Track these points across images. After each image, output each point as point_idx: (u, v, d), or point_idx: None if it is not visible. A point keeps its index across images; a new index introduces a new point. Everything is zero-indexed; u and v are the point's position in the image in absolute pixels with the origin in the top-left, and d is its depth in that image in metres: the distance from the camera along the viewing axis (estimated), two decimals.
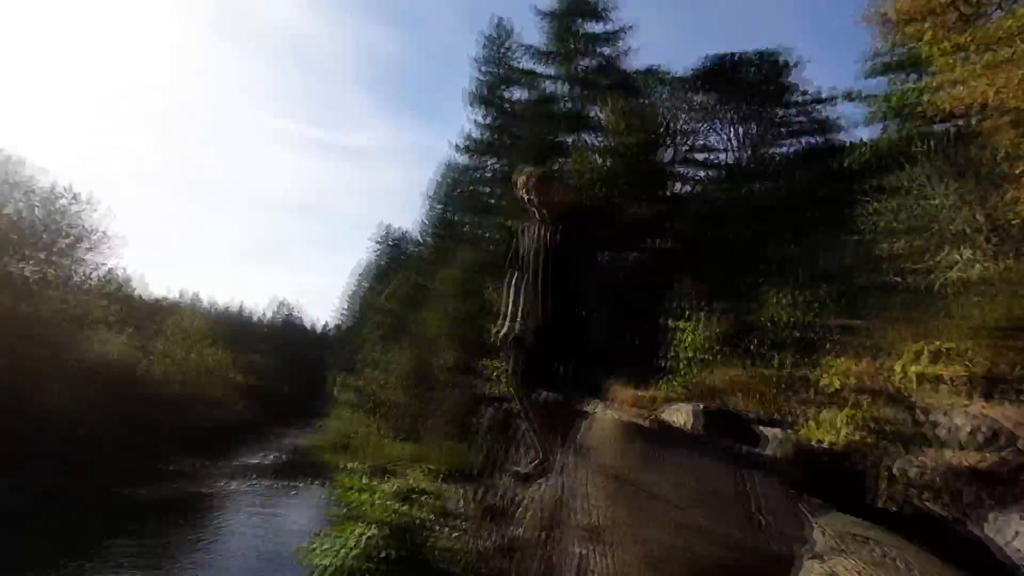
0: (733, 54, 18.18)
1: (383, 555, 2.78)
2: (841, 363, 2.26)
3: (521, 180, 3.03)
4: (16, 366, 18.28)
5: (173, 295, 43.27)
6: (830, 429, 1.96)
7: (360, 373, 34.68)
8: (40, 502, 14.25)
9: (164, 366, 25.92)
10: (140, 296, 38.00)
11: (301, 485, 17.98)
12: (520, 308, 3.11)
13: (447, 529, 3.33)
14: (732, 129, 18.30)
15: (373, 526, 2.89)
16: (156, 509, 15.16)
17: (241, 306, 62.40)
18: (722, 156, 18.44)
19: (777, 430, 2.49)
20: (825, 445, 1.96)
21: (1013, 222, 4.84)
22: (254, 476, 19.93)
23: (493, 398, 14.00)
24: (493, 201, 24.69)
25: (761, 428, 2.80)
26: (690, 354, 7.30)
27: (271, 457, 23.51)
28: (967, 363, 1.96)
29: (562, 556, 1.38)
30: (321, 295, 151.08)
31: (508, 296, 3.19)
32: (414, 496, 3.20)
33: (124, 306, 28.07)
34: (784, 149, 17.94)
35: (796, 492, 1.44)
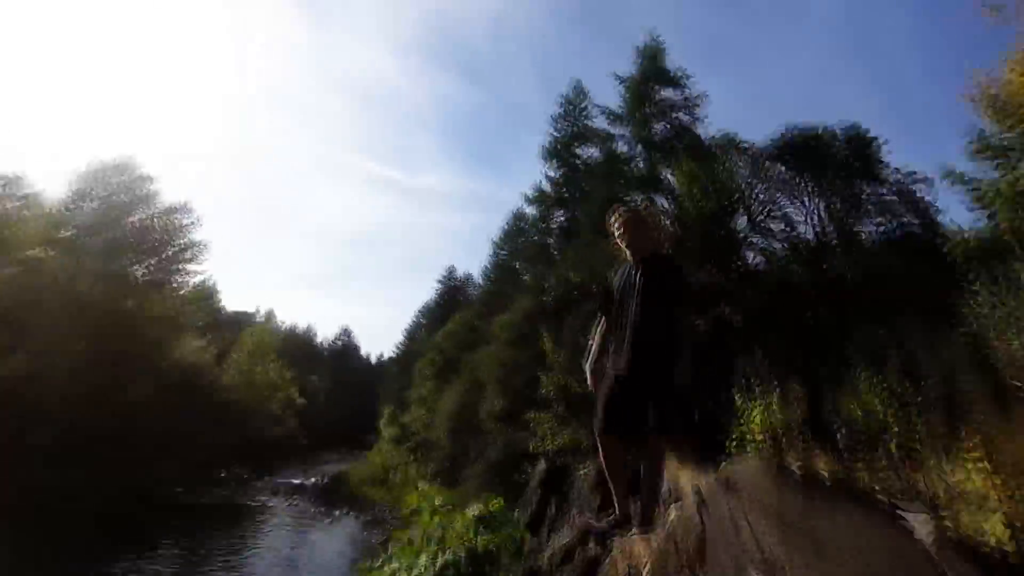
0: (817, 127, 17.77)
1: None
2: (968, 466, 1.98)
3: (615, 217, 3.05)
4: (115, 357, 20.30)
5: (251, 309, 46.88)
6: (986, 529, 1.70)
7: (407, 409, 35.11)
8: (104, 489, 15.27)
9: (233, 376, 27.65)
10: (224, 307, 41.47)
11: (337, 513, 18.02)
12: (605, 351, 3.08)
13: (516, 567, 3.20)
14: (813, 203, 17.55)
15: (449, 550, 2.83)
16: (203, 512, 15.78)
17: (308, 328, 66.04)
18: (801, 229, 17.61)
19: (924, 517, 2.16)
20: (994, 546, 1.69)
21: None
22: (296, 496, 20.30)
23: (539, 454, 13.57)
24: (556, 252, 25.08)
25: (899, 512, 2.46)
26: (758, 438, 6.71)
27: (312, 480, 23.91)
28: None
29: None
30: (377, 329, 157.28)
31: (593, 340, 3.17)
32: (495, 526, 3.11)
33: (209, 315, 30.69)
34: (871, 228, 16.87)
35: None
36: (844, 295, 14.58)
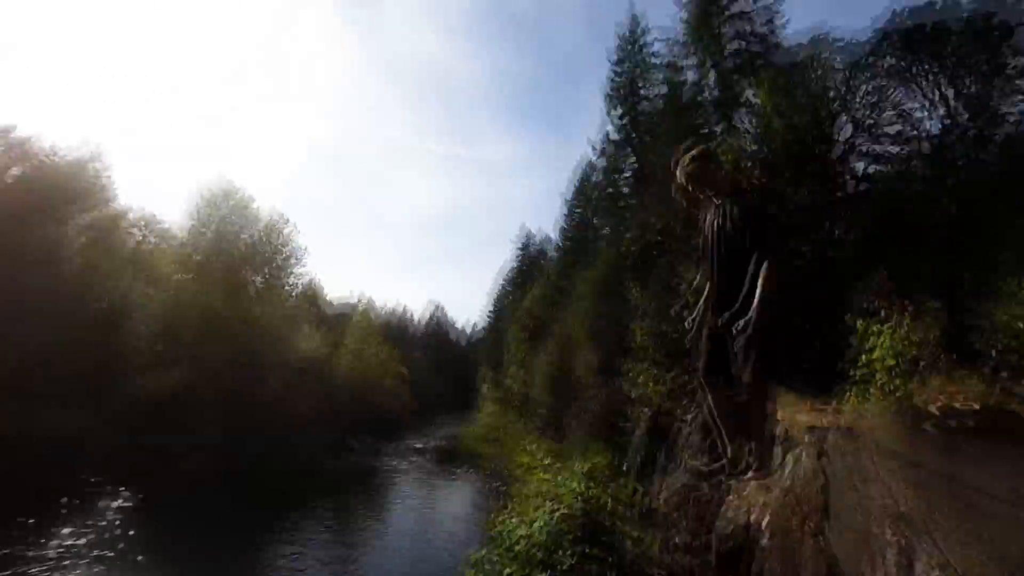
0: (934, 2, 14.75)
1: (574, 535, 2.90)
2: None
3: (684, 157, 2.90)
4: (245, 357, 23.54)
5: (351, 299, 51.27)
6: None
7: (506, 371, 36.70)
8: (255, 465, 18.09)
9: (347, 361, 30.78)
10: (331, 302, 45.78)
11: (458, 471, 19.72)
12: (705, 298, 3.00)
13: (633, 520, 3.35)
14: (937, 91, 14.84)
15: (563, 506, 3.03)
16: (346, 477, 18.14)
17: (404, 309, 70.78)
18: (926, 125, 15.02)
19: None
20: None
21: None
22: (418, 457, 22.53)
23: (640, 402, 13.58)
24: (632, 200, 24.03)
25: None
26: (890, 363, 6.11)
27: (432, 443, 26.28)
28: None
29: (854, 543, 1.29)
30: (465, 298, 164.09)
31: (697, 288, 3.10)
32: (603, 480, 3.26)
33: (319, 310, 34.08)
34: (1019, 107, 13.92)
35: None
36: (984, 190, 12.37)
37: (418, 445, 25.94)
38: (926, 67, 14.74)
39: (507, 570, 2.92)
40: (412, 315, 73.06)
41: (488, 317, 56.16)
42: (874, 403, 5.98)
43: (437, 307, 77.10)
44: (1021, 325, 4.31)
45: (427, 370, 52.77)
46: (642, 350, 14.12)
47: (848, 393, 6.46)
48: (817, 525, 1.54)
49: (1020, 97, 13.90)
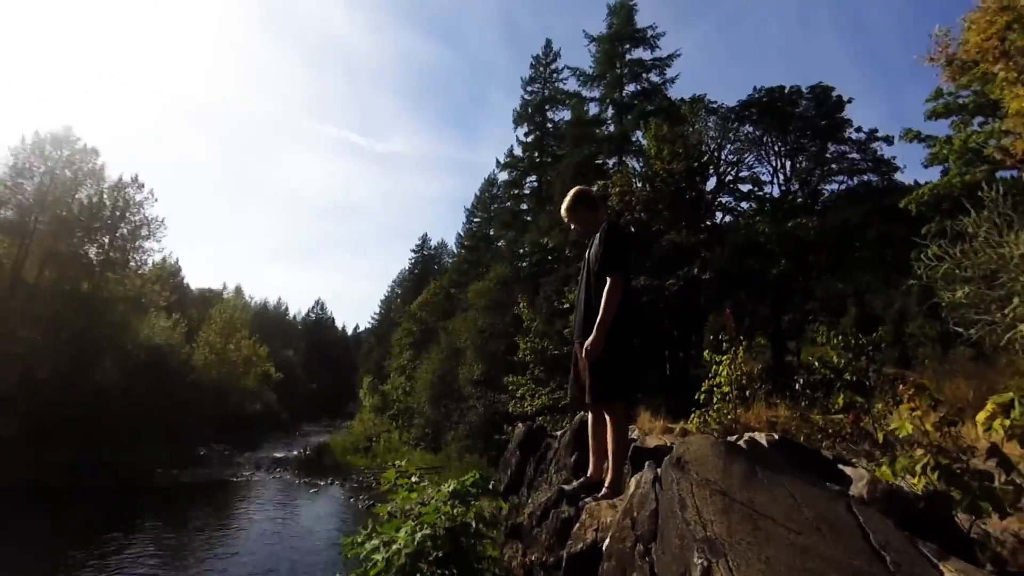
0: (784, 87, 17.95)
1: (435, 556, 2.81)
2: (905, 410, 2.16)
3: (563, 211, 3.09)
4: (76, 340, 19.53)
5: (218, 286, 45.44)
6: (905, 475, 1.88)
7: (387, 378, 35.34)
8: (82, 475, 15.03)
9: (206, 354, 27.07)
10: (188, 284, 40.03)
11: (322, 483, 18.25)
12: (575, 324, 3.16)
13: (493, 538, 3.34)
14: (780, 161, 17.94)
15: (427, 525, 2.92)
16: (188, 492, 15.73)
17: (279, 302, 64.68)
18: (768, 188, 18.07)
19: (861, 470, 2.40)
20: (919, 491, 1.87)
21: None
22: (279, 469, 20.39)
23: (518, 416, 13.99)
24: (531, 218, 25.04)
25: (840, 466, 2.69)
26: (725, 389, 7.09)
27: (296, 452, 24.04)
28: None
29: (674, 566, 1.39)
30: (352, 298, 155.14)
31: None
32: (468, 499, 3.21)
33: (173, 292, 29.63)
34: (834, 185, 17.45)
35: (909, 534, 1.40)
36: (807, 250, 15.23)
37: (280, 455, 23.54)
38: (774, 138, 17.86)
39: None
40: (288, 309, 67.19)
41: (374, 319, 53.92)
42: (710, 426, 6.86)
43: (319, 303, 71.99)
44: (816, 364, 5.28)
45: (301, 371, 48.64)
46: (525, 365, 14.63)
47: (693, 417, 7.29)
48: (646, 547, 1.67)
49: (835, 179, 17.49)
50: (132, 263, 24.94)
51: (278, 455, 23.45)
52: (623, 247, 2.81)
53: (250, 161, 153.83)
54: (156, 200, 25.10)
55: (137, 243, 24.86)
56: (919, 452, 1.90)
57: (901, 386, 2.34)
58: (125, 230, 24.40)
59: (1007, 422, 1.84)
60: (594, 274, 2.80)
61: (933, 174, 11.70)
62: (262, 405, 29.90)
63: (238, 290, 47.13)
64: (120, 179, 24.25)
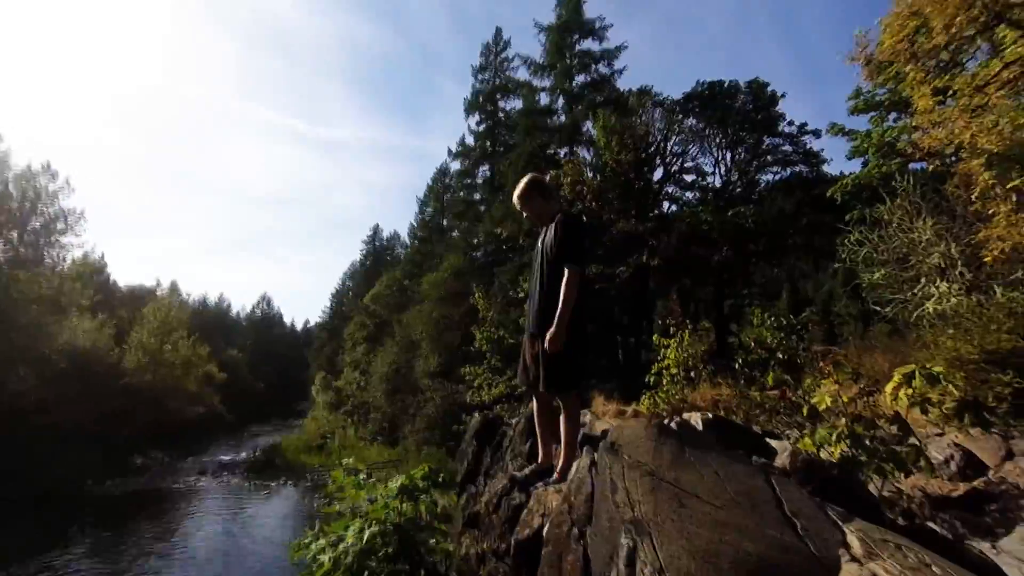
0: (724, 81, 18.77)
1: (384, 552, 2.76)
2: (828, 384, 2.36)
3: (514, 198, 3.08)
4: None
5: (150, 283, 42.18)
6: (823, 445, 2.05)
7: (341, 374, 34.31)
8: (8, 502, 13.67)
9: (138, 356, 25.15)
10: (115, 282, 36.98)
11: (273, 485, 17.54)
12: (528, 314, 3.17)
13: (444, 531, 3.34)
14: (720, 153, 18.79)
15: (375, 523, 2.87)
16: (123, 503, 14.64)
17: (220, 298, 61.12)
18: (710, 178, 18.90)
19: (785, 443, 2.59)
20: (834, 459, 2.04)
21: (985, 259, 5.10)
22: (226, 473, 19.37)
23: (476, 406, 14.01)
24: (484, 208, 24.90)
25: (767, 440, 2.89)
26: (673, 371, 7.42)
27: (244, 455, 22.91)
28: (952, 389, 2.08)
29: (604, 548, 1.43)
30: (301, 292, 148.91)
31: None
32: (417, 494, 3.18)
33: (99, 291, 27.27)
34: (770, 176, 18.53)
35: (820, 500, 1.52)
36: (746, 237, 16.13)
37: (227, 458, 22.35)
38: (716, 130, 18.69)
39: None
40: (230, 306, 63.60)
41: (325, 314, 52.14)
42: (660, 407, 7.15)
43: (264, 299, 68.63)
44: (753, 344, 5.62)
45: (248, 371, 46.29)
46: (481, 355, 14.64)
47: (644, 399, 7.58)
48: (581, 531, 1.72)
49: (770, 170, 18.56)
50: (48, 260, 22.69)
51: (224, 459, 22.27)
52: (579, 238, 2.85)
53: (184, 150, 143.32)
54: (73, 190, 22.91)
55: (52, 238, 22.60)
56: (840, 422, 2.08)
57: (822, 362, 2.54)
58: (37, 224, 22.12)
59: (910, 391, 2.03)
60: (549, 264, 2.82)
61: (856, 165, 12.66)
62: (205, 408, 28.21)
63: (173, 287, 44.01)
64: (29, 167, 21.90)
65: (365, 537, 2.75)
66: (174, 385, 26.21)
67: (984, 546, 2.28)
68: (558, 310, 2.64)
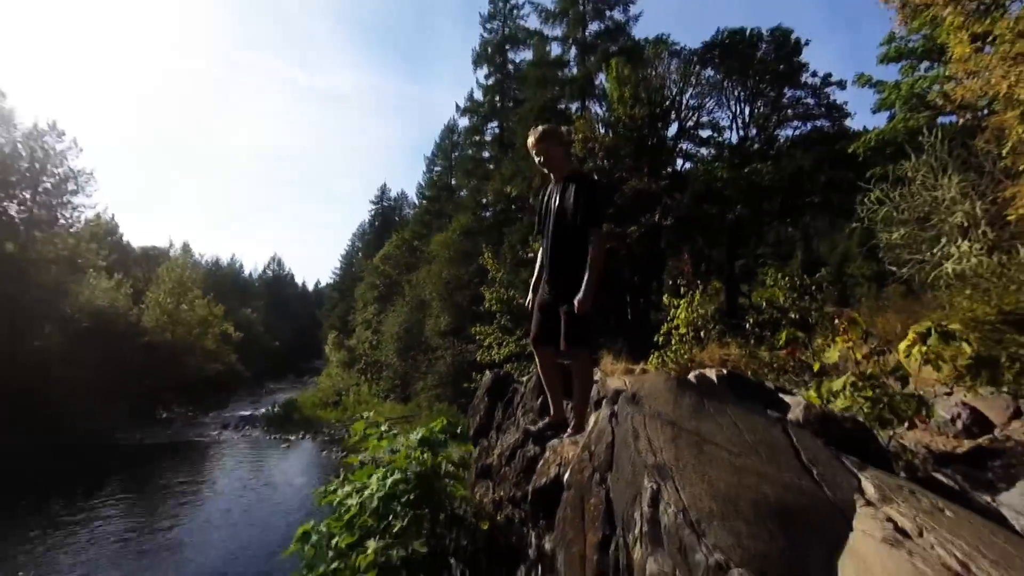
0: (745, 29, 17.77)
1: (407, 498, 2.93)
2: (839, 342, 2.38)
3: (530, 137, 3.01)
4: (6, 307, 18.12)
5: (163, 244, 42.62)
6: (829, 398, 2.11)
7: (353, 333, 35.03)
8: (24, 446, 14.46)
9: (156, 315, 25.79)
10: (129, 243, 37.41)
11: (292, 438, 18.35)
12: (537, 271, 3.19)
13: (462, 479, 3.51)
14: (739, 107, 18.06)
15: (397, 471, 3.03)
16: (154, 453, 15.49)
17: (233, 258, 61.79)
18: (727, 134, 18.26)
19: (799, 397, 2.65)
20: (846, 412, 2.11)
21: (1010, 218, 4.96)
22: (247, 427, 20.27)
23: (487, 364, 14.31)
24: (493, 167, 24.42)
25: (781, 395, 2.96)
26: (683, 331, 7.47)
27: (263, 410, 23.87)
28: (965, 347, 2.10)
29: (627, 491, 1.52)
30: (311, 253, 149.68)
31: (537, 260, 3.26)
32: (436, 445, 3.33)
33: (113, 251, 27.66)
34: (790, 131, 17.85)
35: (835, 450, 1.59)
36: (761, 195, 15.75)
37: (247, 413, 23.31)
38: (735, 82, 17.87)
39: (338, 540, 2.86)
40: (243, 266, 64.35)
41: (336, 274, 52.64)
42: (668, 366, 7.25)
43: (275, 260, 69.24)
44: (765, 305, 5.62)
45: (263, 330, 47.40)
46: (491, 315, 14.80)
47: (652, 358, 7.68)
48: (602, 476, 1.82)
49: (790, 125, 17.85)
50: (62, 220, 22.92)
51: (245, 414, 23.24)
52: (606, 202, 2.85)
53: (192, 112, 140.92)
54: (81, 150, 22.81)
55: (65, 198, 22.72)
56: (846, 376, 2.12)
57: (836, 321, 2.55)
58: (49, 184, 22.17)
59: (924, 348, 2.05)
60: (570, 226, 2.81)
61: (881, 120, 12.13)
62: (223, 365, 29.10)
63: (185, 247, 44.42)
64: (36, 126, 21.74)
65: (388, 484, 2.90)
66: (192, 343, 26.97)
67: (985, 499, 2.36)
68: (586, 275, 2.67)
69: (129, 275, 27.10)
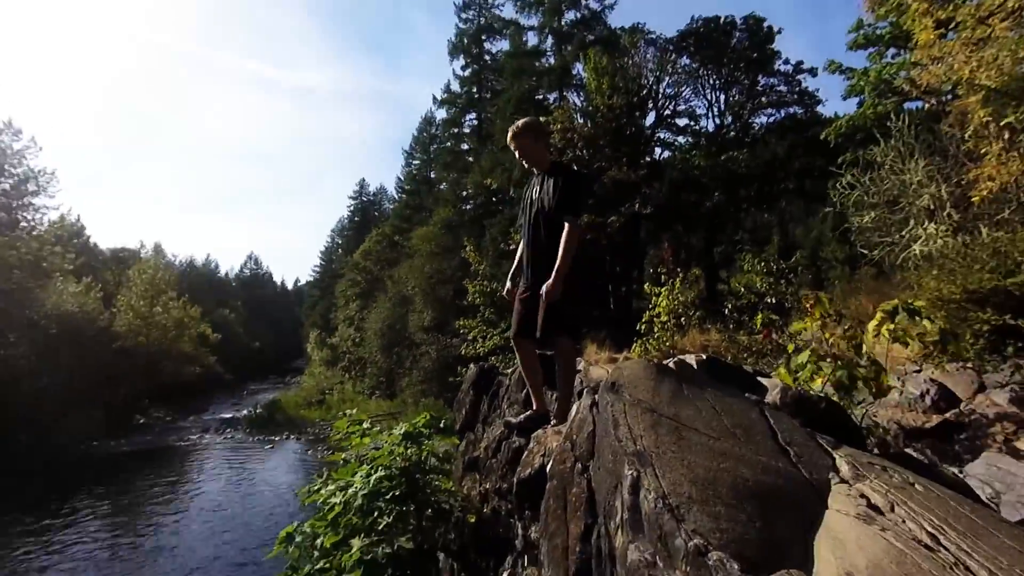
0: (719, 17, 17.91)
1: (392, 494, 2.91)
2: (810, 320, 2.45)
3: (508, 134, 3.00)
4: None
5: (133, 245, 41.22)
6: (799, 372, 2.17)
7: (335, 331, 34.57)
8: (13, 465, 13.94)
9: (129, 319, 25.01)
10: (96, 244, 36.09)
11: (276, 439, 18.08)
12: (517, 263, 3.18)
13: (448, 472, 3.50)
14: (715, 95, 18.24)
15: (381, 468, 3.00)
16: (130, 461, 15.08)
17: (208, 258, 60.19)
18: (703, 122, 18.45)
19: (776, 380, 2.72)
20: (821, 393, 2.16)
21: (974, 199, 5.13)
22: (229, 429, 19.88)
23: (471, 358, 14.29)
24: (472, 159, 24.22)
25: (759, 379, 3.03)
26: (664, 318, 7.57)
27: (245, 411, 23.43)
28: (928, 325, 2.18)
29: (608, 479, 1.53)
30: (289, 251, 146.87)
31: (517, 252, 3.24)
32: (420, 440, 3.31)
33: (80, 254, 26.66)
34: (764, 118, 18.12)
35: (810, 430, 1.62)
36: (738, 183, 16.00)
37: (228, 415, 22.87)
38: (710, 70, 18.03)
39: (322, 540, 2.83)
40: (218, 266, 62.75)
41: (316, 272, 51.80)
42: (651, 354, 7.34)
43: (252, 258, 67.75)
44: (743, 290, 5.72)
45: (242, 330, 46.43)
46: (475, 308, 14.76)
47: (635, 346, 7.77)
48: (584, 465, 1.83)
49: (764, 112, 18.12)
50: (23, 223, 21.96)
51: (226, 416, 22.80)
52: (581, 191, 2.84)
53: (146, 102, 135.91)
54: (40, 149, 21.83)
55: (25, 199, 21.78)
56: (807, 351, 2.19)
57: (805, 301, 2.61)
58: (7, 185, 21.22)
59: (892, 326, 2.10)
60: (547, 216, 2.81)
61: (852, 106, 12.38)
62: (202, 368, 28.46)
63: (157, 248, 43.06)
64: None
65: (372, 481, 2.87)
66: (168, 347, 26.28)
67: (952, 471, 2.45)
68: (558, 263, 2.66)
69: (98, 278, 26.18)
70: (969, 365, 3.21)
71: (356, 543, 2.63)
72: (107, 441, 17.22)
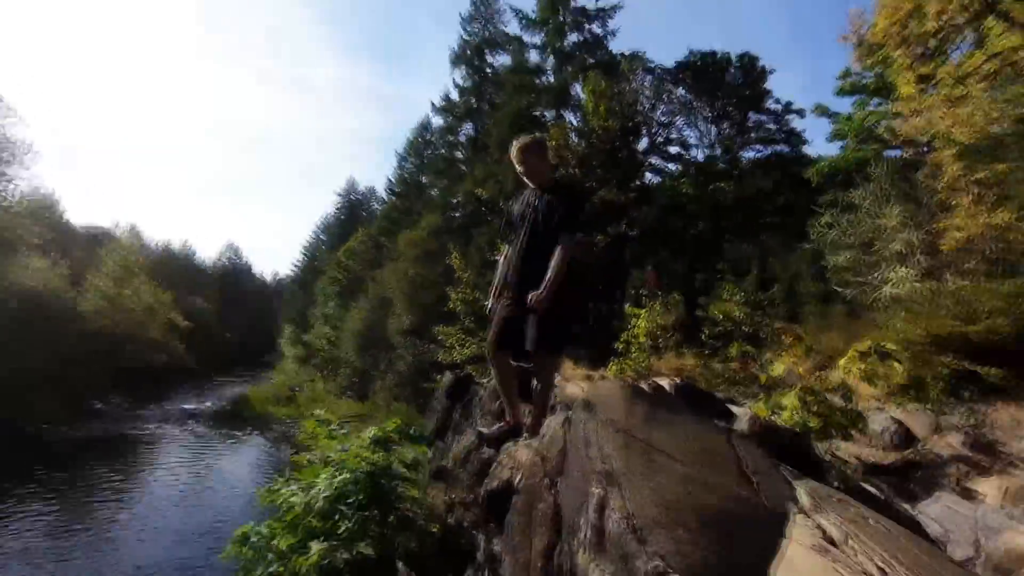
0: (715, 52, 18.50)
1: (356, 499, 2.84)
2: (786, 356, 2.50)
3: (514, 148, 3.03)
4: None
5: (108, 224, 39.94)
6: (776, 410, 2.21)
7: (311, 328, 33.93)
8: None
9: (96, 301, 24.13)
10: (69, 221, 34.88)
11: (239, 434, 17.56)
12: (502, 275, 3.18)
13: (415, 480, 3.44)
14: (707, 126, 18.74)
15: (346, 471, 2.93)
16: (82, 445, 14.43)
17: (186, 244, 58.62)
18: (694, 152, 18.91)
19: (746, 409, 2.77)
20: (789, 425, 2.21)
21: (942, 248, 5.36)
22: (191, 421, 19.23)
23: (448, 365, 14.17)
24: (466, 168, 24.29)
25: (728, 406, 3.08)
26: (642, 340, 7.65)
27: (209, 404, 22.74)
28: (897, 367, 2.26)
29: (575, 497, 1.53)
30: (270, 244, 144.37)
31: (500, 264, 3.24)
32: (389, 445, 3.25)
33: (52, 230, 25.78)
34: (752, 153, 18.67)
35: (775, 460, 1.65)
36: (723, 213, 16.39)
37: (191, 407, 22.15)
38: (704, 103, 18.55)
39: (279, 542, 2.74)
40: (197, 254, 61.15)
41: (297, 267, 50.95)
42: (627, 373, 7.40)
43: (231, 248, 66.16)
44: (721, 318, 5.84)
45: (218, 321, 45.17)
46: (455, 315, 14.70)
47: (612, 365, 7.82)
48: (553, 481, 1.82)
49: (753, 148, 18.67)
50: None
51: (188, 407, 22.06)
52: (583, 211, 2.90)
53: (151, 91, 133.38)
54: (20, 119, 21.20)
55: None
56: (794, 391, 2.22)
57: (784, 336, 2.67)
58: None
59: (862, 366, 2.17)
60: (544, 231, 2.82)
61: (835, 148, 12.88)
62: (168, 356, 27.57)
63: (132, 229, 41.82)
64: None
65: (336, 484, 2.81)
66: (135, 332, 25.42)
67: (906, 507, 2.52)
68: (551, 275, 2.68)
69: (67, 255, 25.27)
70: (929, 406, 3.32)
71: (315, 547, 2.56)
72: (60, 427, 16.49)
